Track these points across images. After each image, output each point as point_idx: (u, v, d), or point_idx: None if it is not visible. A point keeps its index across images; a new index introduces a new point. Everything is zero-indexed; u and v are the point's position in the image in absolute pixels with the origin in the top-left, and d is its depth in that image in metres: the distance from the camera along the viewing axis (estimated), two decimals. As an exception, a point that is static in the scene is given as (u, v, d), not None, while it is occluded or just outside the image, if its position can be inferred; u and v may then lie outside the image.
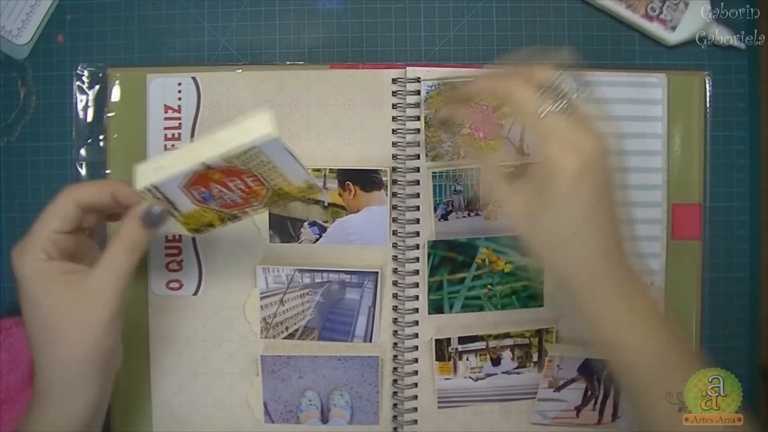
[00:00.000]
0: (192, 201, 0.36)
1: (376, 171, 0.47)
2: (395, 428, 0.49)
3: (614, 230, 0.35)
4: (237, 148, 0.33)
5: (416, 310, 0.48)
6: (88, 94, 0.49)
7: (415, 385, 0.49)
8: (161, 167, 0.35)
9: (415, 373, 0.49)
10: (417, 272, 0.48)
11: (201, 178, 0.35)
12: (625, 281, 0.35)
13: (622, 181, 0.36)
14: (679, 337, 0.36)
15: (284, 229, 0.48)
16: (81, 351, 0.35)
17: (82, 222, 0.37)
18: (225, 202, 0.37)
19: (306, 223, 0.48)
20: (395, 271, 0.48)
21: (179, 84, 0.48)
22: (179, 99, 0.48)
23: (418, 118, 0.47)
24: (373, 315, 0.48)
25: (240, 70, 0.48)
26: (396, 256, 0.48)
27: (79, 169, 0.49)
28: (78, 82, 0.49)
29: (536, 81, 0.34)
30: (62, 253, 0.35)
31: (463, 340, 0.48)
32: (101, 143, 0.49)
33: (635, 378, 0.35)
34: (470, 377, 0.49)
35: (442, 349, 0.48)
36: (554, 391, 0.48)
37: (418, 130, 0.47)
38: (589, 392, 0.48)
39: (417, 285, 0.48)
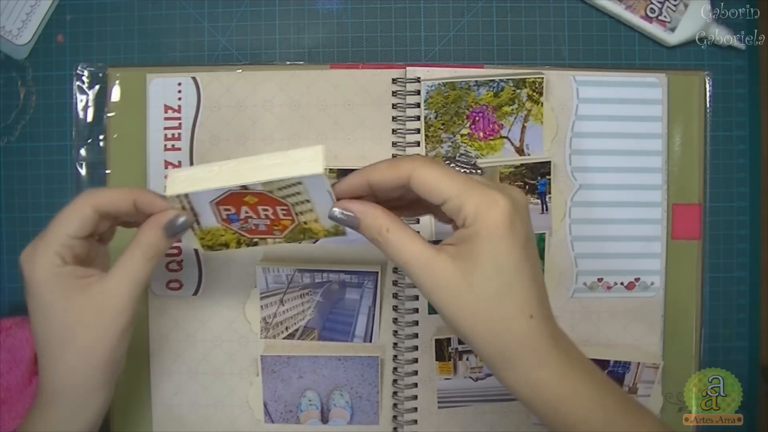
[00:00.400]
0: (217, 218, 0.35)
1: (376, 171, 0.47)
2: (395, 428, 0.49)
3: (542, 287, 0.33)
4: (281, 178, 0.32)
5: (416, 310, 0.48)
6: (88, 94, 0.49)
7: (415, 385, 0.49)
8: (197, 179, 0.34)
9: (415, 373, 0.49)
10: (417, 272, 0.48)
11: (234, 198, 0.34)
12: (559, 336, 0.33)
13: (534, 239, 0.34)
14: (617, 389, 0.35)
15: (284, 229, 0.48)
16: (94, 358, 0.34)
17: (98, 227, 0.36)
18: (248, 227, 0.36)
19: (306, 223, 0.48)
20: (395, 270, 0.48)
21: (179, 84, 0.48)
22: (179, 99, 0.48)
23: (418, 118, 0.47)
24: (373, 315, 0.48)
25: (240, 70, 0.48)
26: (396, 256, 0.48)
27: (79, 169, 0.49)
28: (78, 82, 0.49)
29: (436, 159, 0.32)
30: (76, 258, 0.35)
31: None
32: (101, 143, 0.49)
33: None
34: (470, 377, 0.49)
35: (442, 349, 0.48)
36: (554, 391, 0.48)
37: (418, 130, 0.47)
38: (589, 392, 0.48)
39: (417, 285, 0.48)
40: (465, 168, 0.33)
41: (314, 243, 0.48)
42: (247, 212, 0.35)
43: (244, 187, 0.33)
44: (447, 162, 0.33)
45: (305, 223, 0.35)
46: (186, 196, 0.34)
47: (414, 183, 0.32)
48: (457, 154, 0.33)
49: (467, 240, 0.31)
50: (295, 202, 0.34)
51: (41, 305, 0.34)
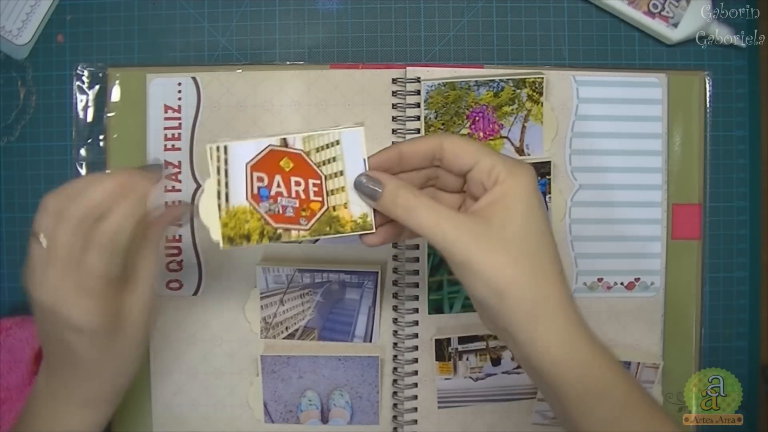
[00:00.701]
0: (248, 191, 0.35)
1: (376, 171, 0.47)
2: (395, 428, 0.49)
3: (557, 255, 0.33)
4: (320, 132, 0.34)
5: (416, 310, 0.48)
6: (88, 94, 0.49)
7: (415, 385, 0.49)
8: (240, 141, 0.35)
9: (415, 373, 0.49)
10: (417, 272, 0.48)
11: (271, 160, 0.35)
12: (573, 301, 0.33)
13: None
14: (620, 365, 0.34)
15: (284, 229, 0.48)
16: (140, 341, 0.38)
17: None
18: (276, 210, 0.36)
19: (306, 223, 0.48)
20: (395, 271, 0.48)
21: (179, 84, 0.48)
22: (179, 99, 0.48)
23: (418, 118, 0.47)
24: (373, 315, 0.48)
25: (240, 70, 0.48)
26: (396, 256, 0.48)
27: (79, 169, 0.49)
28: (78, 82, 0.49)
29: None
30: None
31: (463, 340, 0.48)
32: (101, 143, 0.49)
33: (583, 399, 0.32)
34: (470, 377, 0.49)
35: (442, 349, 0.48)
36: (554, 391, 0.48)
37: (418, 130, 0.47)
38: (589, 392, 0.48)
39: (417, 285, 0.48)
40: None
41: (314, 243, 0.48)
42: (278, 186, 0.35)
43: (284, 142, 0.34)
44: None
45: (334, 209, 0.35)
46: (225, 151, 0.35)
47: (446, 149, 0.33)
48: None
49: (499, 199, 0.32)
50: (328, 174, 0.35)
51: (90, 346, 0.35)
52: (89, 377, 0.36)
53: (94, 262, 0.33)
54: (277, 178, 0.35)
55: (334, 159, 0.35)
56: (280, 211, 0.36)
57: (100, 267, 0.33)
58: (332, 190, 0.35)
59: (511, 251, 0.31)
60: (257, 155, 0.35)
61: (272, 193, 0.35)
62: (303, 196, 0.35)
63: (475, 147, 0.33)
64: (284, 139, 0.35)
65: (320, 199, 0.35)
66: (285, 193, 0.35)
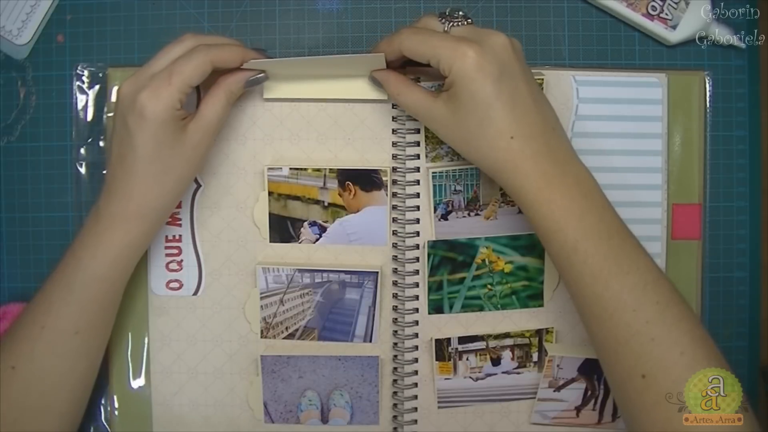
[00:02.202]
0: None
1: (376, 171, 0.47)
2: (395, 428, 0.49)
3: (528, 113, 0.39)
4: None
5: (416, 310, 0.48)
6: (88, 94, 0.49)
7: (415, 385, 0.49)
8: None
9: (415, 373, 0.49)
10: (417, 272, 0.48)
11: None
12: (548, 154, 0.39)
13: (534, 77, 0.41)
14: (625, 230, 0.40)
15: (284, 229, 0.48)
16: (185, 184, 0.43)
17: None
18: None
19: (306, 223, 0.48)
20: (395, 271, 0.48)
21: (179, 84, 0.48)
22: (179, 99, 0.48)
23: (418, 118, 0.47)
24: (373, 315, 0.48)
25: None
26: (396, 256, 0.48)
27: (79, 169, 0.49)
28: (78, 82, 0.49)
29: (420, 24, 0.42)
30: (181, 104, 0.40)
31: (463, 340, 0.48)
32: (101, 143, 0.49)
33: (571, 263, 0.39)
34: (470, 377, 0.49)
35: (442, 349, 0.48)
36: (554, 391, 0.48)
37: (418, 130, 0.47)
38: (589, 392, 0.48)
39: (417, 285, 0.48)
40: (456, 21, 0.40)
41: (314, 243, 0.48)
42: None
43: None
44: (440, 19, 0.41)
45: None
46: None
47: (405, 54, 0.40)
48: (447, 10, 0.41)
49: (450, 86, 0.39)
50: None
51: (153, 141, 0.39)
52: (138, 190, 0.40)
53: (174, 80, 0.39)
54: None
55: None
56: None
57: (176, 85, 0.39)
58: None
59: (463, 132, 0.40)
60: None
61: None
62: None
63: (425, 47, 0.39)
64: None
65: None
66: None
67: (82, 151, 0.49)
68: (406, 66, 0.45)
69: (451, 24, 0.40)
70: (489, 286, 0.48)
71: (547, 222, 0.39)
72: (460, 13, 0.41)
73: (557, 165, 0.39)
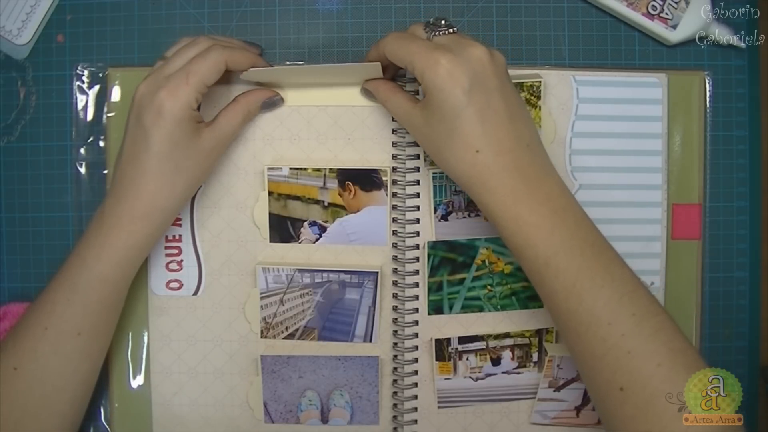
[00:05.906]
0: None
1: (376, 171, 0.47)
2: (395, 428, 0.49)
3: (499, 126, 0.38)
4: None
5: (416, 310, 0.48)
6: (88, 94, 0.49)
7: (415, 385, 0.49)
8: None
9: (415, 373, 0.49)
10: (417, 272, 0.48)
11: None
12: (519, 170, 0.38)
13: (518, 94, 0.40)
14: (599, 242, 0.40)
15: (284, 229, 0.48)
16: (193, 189, 0.43)
17: None
18: None
19: (306, 223, 0.48)
20: (395, 271, 0.48)
21: (179, 84, 0.48)
22: (179, 99, 0.48)
23: (418, 118, 0.47)
24: (373, 315, 0.48)
25: (240, 70, 0.48)
26: (396, 256, 0.48)
27: (79, 169, 0.49)
28: (78, 82, 0.49)
29: (407, 31, 0.42)
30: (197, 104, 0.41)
31: (463, 340, 0.48)
32: (101, 143, 0.49)
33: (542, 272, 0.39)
34: (470, 377, 0.49)
35: (442, 349, 0.48)
36: (554, 391, 0.48)
37: (418, 130, 0.47)
38: (589, 392, 0.48)
39: (417, 285, 0.48)
40: (439, 30, 0.40)
41: (314, 243, 0.48)
42: None
43: None
44: (425, 28, 0.41)
45: None
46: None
47: (388, 57, 0.41)
48: (432, 19, 0.41)
49: (424, 94, 0.39)
50: None
51: (169, 139, 0.40)
52: (148, 189, 0.40)
53: (191, 80, 0.40)
54: None
55: None
56: None
57: (193, 85, 0.40)
58: None
59: (434, 141, 0.40)
60: None
61: None
62: None
63: (403, 52, 0.39)
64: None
65: None
66: None
67: (82, 151, 0.49)
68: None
69: (434, 33, 0.40)
70: (489, 287, 0.48)
71: (516, 238, 0.38)
72: (444, 22, 0.40)
73: (527, 182, 0.38)
